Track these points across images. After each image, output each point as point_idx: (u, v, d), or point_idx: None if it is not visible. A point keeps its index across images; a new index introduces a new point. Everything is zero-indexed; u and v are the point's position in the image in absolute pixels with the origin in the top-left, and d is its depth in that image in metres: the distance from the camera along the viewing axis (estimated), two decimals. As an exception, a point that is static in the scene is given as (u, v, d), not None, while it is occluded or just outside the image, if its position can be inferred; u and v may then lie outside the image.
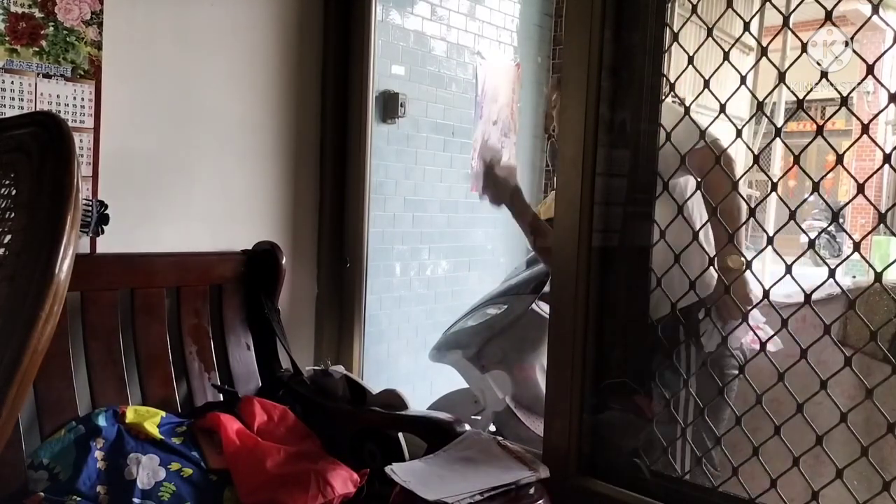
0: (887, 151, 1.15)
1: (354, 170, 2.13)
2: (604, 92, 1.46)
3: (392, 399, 1.66)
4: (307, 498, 1.41)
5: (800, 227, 1.28)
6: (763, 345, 1.37)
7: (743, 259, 1.51)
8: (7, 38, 1.52)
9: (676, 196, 1.47)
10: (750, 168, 1.46)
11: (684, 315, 1.51)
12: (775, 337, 1.41)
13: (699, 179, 1.51)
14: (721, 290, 1.54)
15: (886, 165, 1.15)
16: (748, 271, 1.47)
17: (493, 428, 2.20)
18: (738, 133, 1.39)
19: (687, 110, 1.47)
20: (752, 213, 1.49)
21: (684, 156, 1.43)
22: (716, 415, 1.57)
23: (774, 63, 1.39)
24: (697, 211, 1.68)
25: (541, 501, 1.35)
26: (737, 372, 1.51)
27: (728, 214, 1.51)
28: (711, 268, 1.49)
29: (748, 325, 1.48)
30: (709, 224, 1.57)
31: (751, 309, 1.54)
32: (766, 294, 1.35)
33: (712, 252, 1.59)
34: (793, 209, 1.26)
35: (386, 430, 1.64)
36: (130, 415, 1.53)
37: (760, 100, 1.42)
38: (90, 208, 1.62)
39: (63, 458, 1.42)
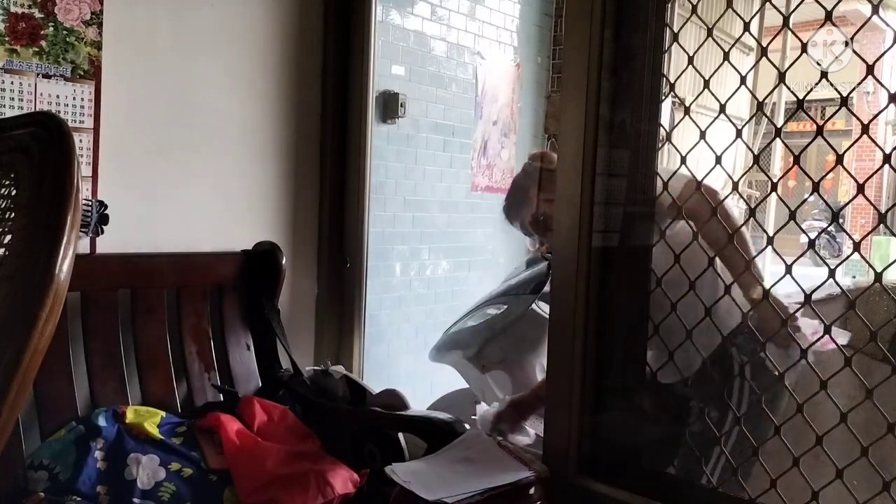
0: (887, 151, 1.15)
1: (354, 170, 2.13)
2: (604, 92, 1.46)
3: (392, 399, 1.66)
4: (307, 498, 1.41)
5: (800, 227, 1.27)
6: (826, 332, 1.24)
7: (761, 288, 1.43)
8: (7, 39, 1.52)
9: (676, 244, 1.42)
10: (750, 168, 1.46)
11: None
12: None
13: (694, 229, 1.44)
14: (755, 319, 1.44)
15: (886, 165, 1.15)
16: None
17: (493, 428, 2.19)
18: (738, 133, 1.39)
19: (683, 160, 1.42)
20: (752, 213, 1.49)
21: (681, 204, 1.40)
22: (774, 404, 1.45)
23: (774, 63, 1.38)
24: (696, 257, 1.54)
25: (540, 501, 1.35)
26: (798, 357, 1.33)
27: (742, 247, 1.44)
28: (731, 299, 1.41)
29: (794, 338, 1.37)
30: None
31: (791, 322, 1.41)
32: (765, 294, 1.35)
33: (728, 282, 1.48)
34: (793, 209, 1.26)
35: (386, 430, 1.64)
36: (130, 415, 1.53)
37: (760, 100, 1.42)
38: (90, 208, 1.62)
39: (63, 458, 1.42)
